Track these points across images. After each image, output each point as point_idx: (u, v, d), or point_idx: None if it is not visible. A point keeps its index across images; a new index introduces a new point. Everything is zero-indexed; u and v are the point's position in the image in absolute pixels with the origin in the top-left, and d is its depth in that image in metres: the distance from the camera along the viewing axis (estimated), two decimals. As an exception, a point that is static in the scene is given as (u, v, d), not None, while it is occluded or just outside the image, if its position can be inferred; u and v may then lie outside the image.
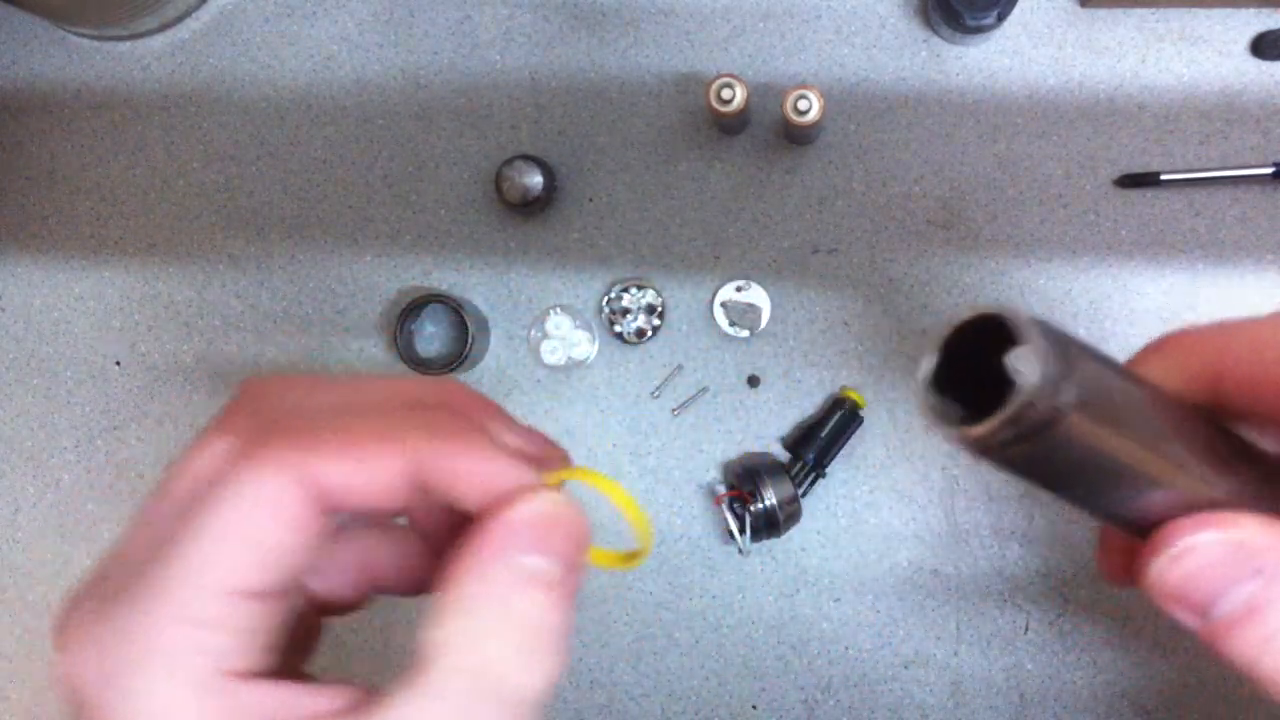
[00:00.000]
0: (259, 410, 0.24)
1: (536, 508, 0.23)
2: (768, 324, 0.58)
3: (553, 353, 0.58)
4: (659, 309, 0.58)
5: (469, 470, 0.23)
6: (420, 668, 0.21)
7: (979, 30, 0.54)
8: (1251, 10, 0.56)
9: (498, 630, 0.22)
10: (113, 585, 0.21)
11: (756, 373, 0.58)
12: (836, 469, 0.57)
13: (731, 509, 0.55)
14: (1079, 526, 0.56)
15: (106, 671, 0.20)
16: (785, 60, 0.58)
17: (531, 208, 0.57)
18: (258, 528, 0.21)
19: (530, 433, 0.27)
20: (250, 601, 0.21)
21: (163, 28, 0.61)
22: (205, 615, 0.20)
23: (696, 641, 0.58)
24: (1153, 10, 0.56)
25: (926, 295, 0.57)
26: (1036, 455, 0.19)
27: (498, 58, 0.60)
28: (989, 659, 0.57)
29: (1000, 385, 0.18)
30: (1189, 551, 0.20)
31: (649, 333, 0.58)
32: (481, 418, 0.26)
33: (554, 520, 0.23)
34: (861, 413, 0.56)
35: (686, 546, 0.58)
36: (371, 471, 0.22)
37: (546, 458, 0.26)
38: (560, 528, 0.23)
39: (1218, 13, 0.56)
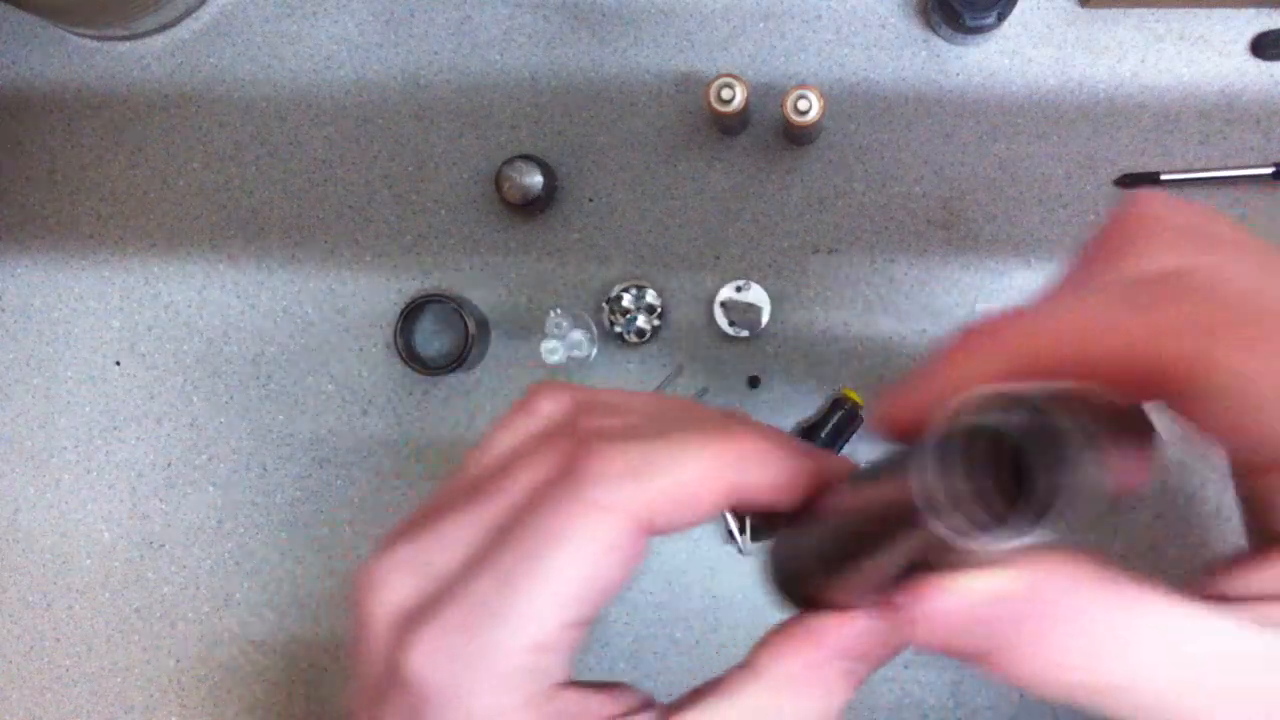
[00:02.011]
0: (579, 431, 0.25)
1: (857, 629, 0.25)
2: (768, 324, 0.58)
3: (553, 353, 0.58)
4: (659, 309, 0.58)
5: (777, 491, 0.25)
6: (721, 692, 0.25)
7: (979, 30, 0.54)
8: (1251, 10, 0.56)
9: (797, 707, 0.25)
10: (461, 606, 0.24)
11: (756, 373, 0.58)
12: (836, 469, 0.57)
13: (731, 509, 0.55)
14: (1079, 526, 0.56)
15: (457, 683, 0.23)
16: (785, 60, 0.58)
17: (531, 208, 0.57)
18: (599, 573, 0.23)
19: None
20: (582, 627, 0.24)
21: (163, 28, 0.61)
22: (547, 642, 0.23)
23: (696, 642, 0.58)
24: (1153, 10, 0.56)
25: (926, 295, 0.57)
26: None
27: (498, 58, 0.60)
28: (989, 659, 0.57)
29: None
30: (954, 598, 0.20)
31: (649, 333, 0.58)
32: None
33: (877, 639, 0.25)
34: (861, 413, 0.56)
35: (686, 546, 0.58)
36: (700, 511, 0.25)
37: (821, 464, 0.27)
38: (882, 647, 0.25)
39: (1218, 13, 0.56)
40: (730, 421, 0.26)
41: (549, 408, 0.26)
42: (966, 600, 0.19)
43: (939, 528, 0.17)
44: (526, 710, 0.23)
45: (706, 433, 0.25)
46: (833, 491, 0.24)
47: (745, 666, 0.25)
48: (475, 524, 0.25)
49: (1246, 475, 0.21)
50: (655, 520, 0.24)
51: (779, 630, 0.25)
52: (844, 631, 0.24)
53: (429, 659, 0.23)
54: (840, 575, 0.23)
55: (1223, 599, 0.20)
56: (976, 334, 0.21)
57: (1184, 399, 0.19)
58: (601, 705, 0.25)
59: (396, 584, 0.25)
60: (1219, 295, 0.20)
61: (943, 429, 0.17)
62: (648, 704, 0.26)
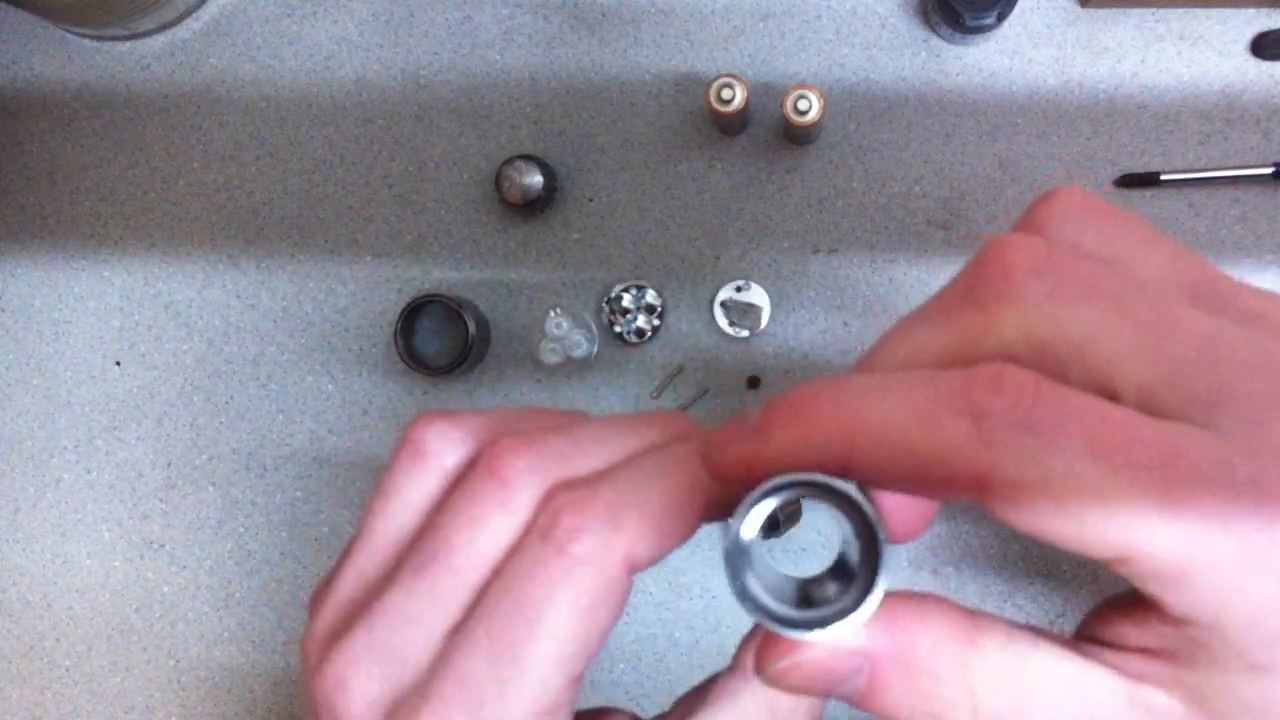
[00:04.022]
0: (542, 469, 0.24)
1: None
2: (768, 324, 0.58)
3: (553, 353, 0.58)
4: (659, 309, 0.58)
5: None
6: (715, 698, 0.26)
7: (979, 30, 0.54)
8: (1251, 10, 0.56)
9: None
10: (460, 688, 0.23)
11: (756, 373, 0.58)
12: (836, 469, 0.57)
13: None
14: (1079, 526, 0.56)
15: None
16: (785, 60, 0.58)
17: (531, 208, 0.57)
18: (593, 624, 0.23)
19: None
20: (580, 679, 0.24)
21: (163, 28, 0.61)
22: (554, 704, 0.23)
23: (696, 641, 0.58)
24: (1153, 10, 0.56)
25: (926, 295, 0.57)
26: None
27: (498, 58, 0.60)
28: (989, 659, 0.57)
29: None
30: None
31: (649, 333, 0.58)
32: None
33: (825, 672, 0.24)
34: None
35: (686, 546, 0.58)
36: (683, 535, 0.25)
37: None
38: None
39: (1218, 13, 0.56)
40: (668, 425, 0.26)
41: (439, 447, 0.25)
42: (822, 654, 0.21)
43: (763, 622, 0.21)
44: None
45: (663, 453, 0.25)
46: None
47: (733, 670, 0.26)
48: (437, 601, 0.24)
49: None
50: (639, 559, 0.24)
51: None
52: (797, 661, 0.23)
53: None
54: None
55: (1092, 640, 0.22)
56: (795, 410, 0.21)
57: (1010, 512, 0.19)
58: None
59: (366, 679, 0.23)
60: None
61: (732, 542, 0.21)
62: None
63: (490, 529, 0.24)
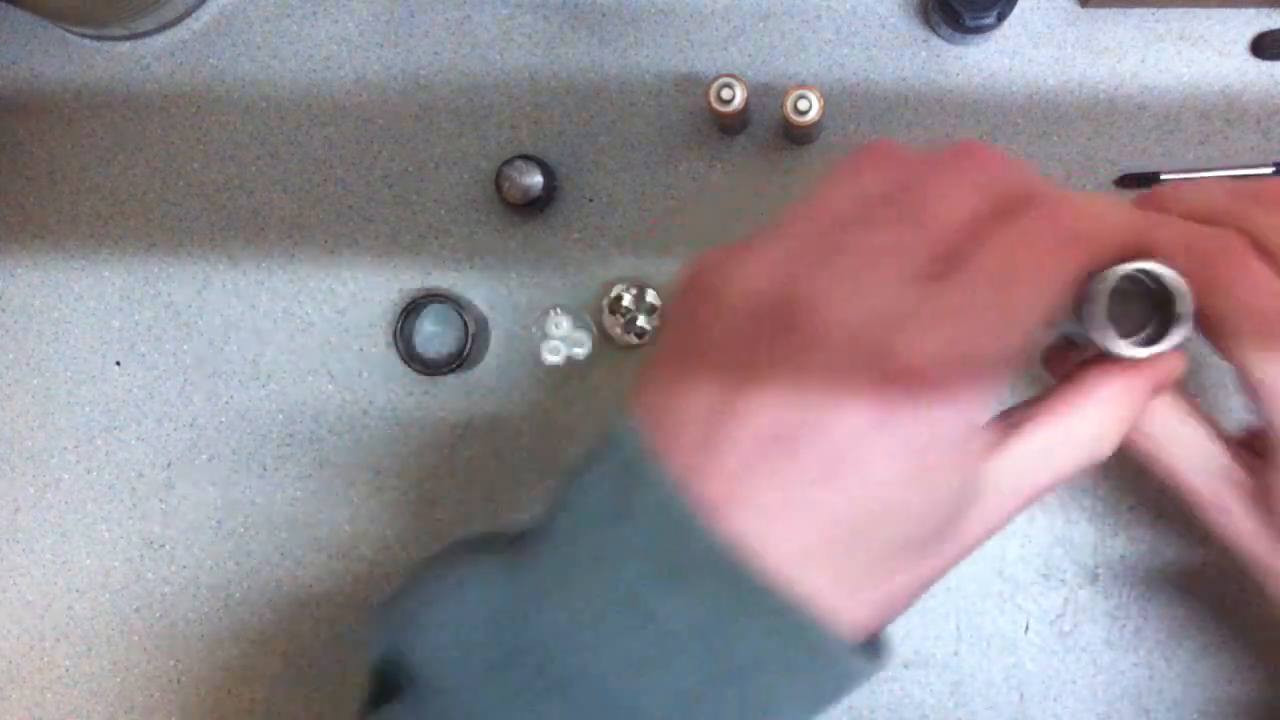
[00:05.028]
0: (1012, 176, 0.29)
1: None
2: (768, 324, 0.58)
3: (553, 353, 0.58)
4: (659, 309, 0.58)
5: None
6: (1056, 408, 0.31)
7: (979, 30, 0.54)
8: (1251, 10, 0.56)
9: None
10: (958, 316, 0.26)
11: (756, 373, 0.58)
12: (836, 469, 0.57)
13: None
14: (1079, 527, 0.56)
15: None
16: (785, 60, 0.58)
17: (531, 208, 0.57)
18: (1061, 299, 0.28)
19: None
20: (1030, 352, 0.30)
21: (163, 28, 0.61)
22: (1027, 353, 0.28)
23: (696, 641, 0.58)
24: (1153, 10, 0.56)
25: (926, 295, 0.57)
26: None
27: (498, 58, 0.60)
28: (989, 659, 0.57)
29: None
30: None
31: (649, 333, 0.58)
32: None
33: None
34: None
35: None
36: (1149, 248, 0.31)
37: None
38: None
39: (1218, 13, 0.56)
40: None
41: (873, 178, 0.28)
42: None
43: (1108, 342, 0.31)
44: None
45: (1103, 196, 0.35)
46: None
47: (1070, 386, 0.31)
48: (916, 247, 0.26)
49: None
50: (1088, 267, 0.28)
51: (1091, 366, 0.32)
52: (1154, 367, 0.31)
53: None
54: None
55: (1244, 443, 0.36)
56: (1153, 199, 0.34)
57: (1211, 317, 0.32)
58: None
59: (848, 292, 0.26)
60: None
61: (1106, 287, 0.31)
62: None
63: (966, 202, 0.27)
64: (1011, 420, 0.30)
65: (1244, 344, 0.32)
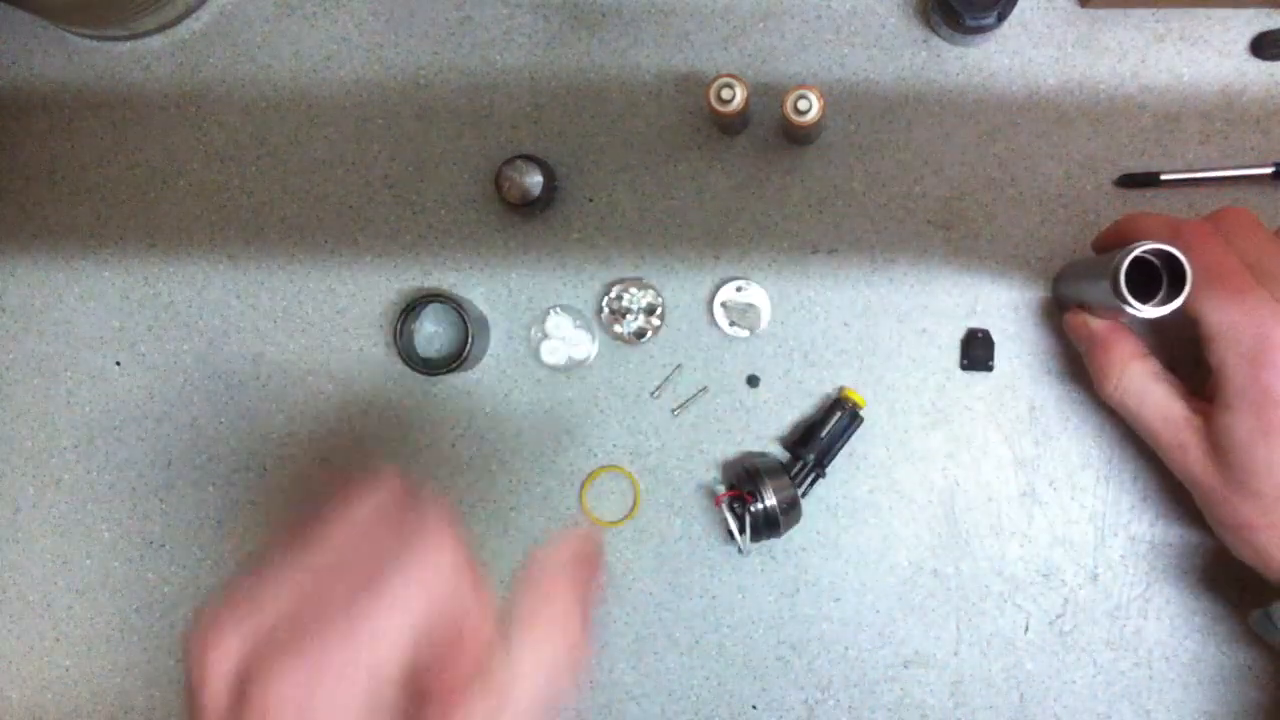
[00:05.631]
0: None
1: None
2: (768, 324, 0.58)
3: (553, 353, 0.58)
4: (659, 309, 0.58)
5: None
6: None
7: (979, 30, 0.54)
8: (1251, 10, 0.56)
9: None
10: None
11: (756, 373, 0.58)
12: (836, 469, 0.57)
13: (731, 509, 0.55)
14: (1078, 527, 0.56)
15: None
16: (785, 60, 0.58)
17: (531, 208, 0.57)
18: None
19: None
20: None
21: (162, 28, 0.61)
22: None
23: (696, 641, 0.58)
24: (1153, 10, 0.56)
25: (926, 295, 0.57)
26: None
27: (498, 58, 0.60)
28: (989, 659, 0.57)
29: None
30: None
31: (649, 333, 0.58)
32: None
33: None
34: (861, 413, 0.56)
35: (686, 546, 0.58)
36: None
37: None
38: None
39: (1218, 13, 0.56)
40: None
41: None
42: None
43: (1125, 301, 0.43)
44: None
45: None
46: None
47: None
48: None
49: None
50: None
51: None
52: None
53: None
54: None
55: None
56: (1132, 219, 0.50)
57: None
58: None
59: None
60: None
61: (1125, 257, 0.43)
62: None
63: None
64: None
65: (1201, 296, 0.44)
